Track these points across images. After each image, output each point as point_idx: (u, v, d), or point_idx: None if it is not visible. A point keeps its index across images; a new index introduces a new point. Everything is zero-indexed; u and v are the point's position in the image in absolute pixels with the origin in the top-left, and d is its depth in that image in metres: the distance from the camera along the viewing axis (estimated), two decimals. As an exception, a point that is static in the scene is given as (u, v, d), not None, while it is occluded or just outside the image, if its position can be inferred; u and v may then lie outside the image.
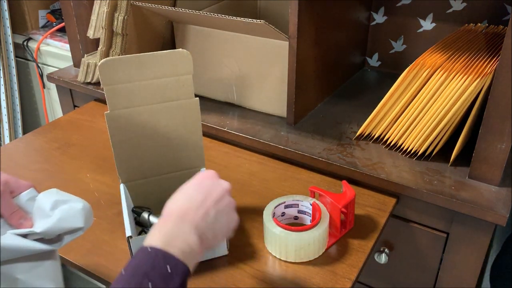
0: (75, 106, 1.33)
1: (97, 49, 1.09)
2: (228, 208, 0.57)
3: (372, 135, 0.97)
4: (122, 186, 0.77)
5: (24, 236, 0.57)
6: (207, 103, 1.13)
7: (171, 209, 0.55)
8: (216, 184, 0.58)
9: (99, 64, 0.69)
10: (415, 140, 0.89)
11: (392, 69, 1.27)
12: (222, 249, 0.74)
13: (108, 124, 0.73)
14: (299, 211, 0.79)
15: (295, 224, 0.79)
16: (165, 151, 0.78)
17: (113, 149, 0.75)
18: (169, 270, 0.48)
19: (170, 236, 0.51)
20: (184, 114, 0.76)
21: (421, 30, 1.19)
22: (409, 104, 0.89)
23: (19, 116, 1.77)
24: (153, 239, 0.51)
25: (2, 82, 1.67)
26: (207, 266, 0.72)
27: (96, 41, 1.22)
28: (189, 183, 0.58)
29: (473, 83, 0.81)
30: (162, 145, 0.78)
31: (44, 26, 1.75)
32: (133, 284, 0.46)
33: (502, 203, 0.78)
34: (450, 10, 1.13)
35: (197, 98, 0.76)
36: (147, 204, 0.77)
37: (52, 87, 1.65)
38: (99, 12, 1.13)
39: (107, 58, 0.70)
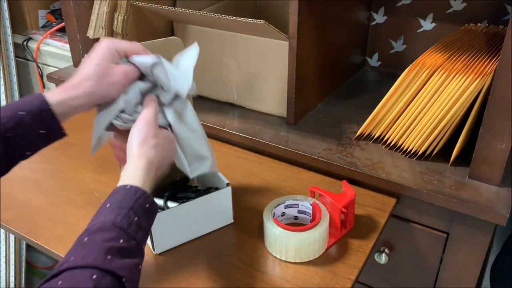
0: (75, 106, 1.32)
1: (97, 49, 1.08)
2: (165, 139, 0.64)
3: (372, 135, 0.97)
4: None
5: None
6: (207, 103, 1.13)
7: (131, 149, 0.61)
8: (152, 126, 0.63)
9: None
10: (415, 140, 0.89)
11: (392, 69, 1.27)
12: (228, 218, 0.80)
13: None
14: (299, 211, 0.79)
15: (295, 224, 0.79)
16: None
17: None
18: (147, 206, 0.56)
19: (144, 179, 0.58)
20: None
21: (421, 30, 1.19)
22: (409, 104, 0.89)
23: (19, 116, 1.77)
24: (132, 179, 0.57)
25: (2, 82, 1.67)
26: (207, 266, 0.72)
27: (96, 41, 1.22)
28: (135, 128, 0.63)
29: (473, 83, 0.81)
30: None
31: (44, 26, 1.74)
32: (122, 215, 0.52)
33: (502, 203, 0.78)
34: (450, 10, 1.13)
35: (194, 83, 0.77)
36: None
37: (52, 87, 1.65)
38: (99, 12, 1.13)
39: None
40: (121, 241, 0.50)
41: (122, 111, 0.67)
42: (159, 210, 0.65)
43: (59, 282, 0.45)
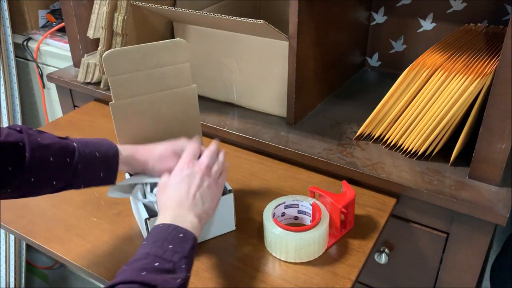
0: (75, 106, 1.33)
1: (97, 49, 1.09)
2: (208, 188, 0.68)
3: (372, 135, 0.97)
4: (126, 175, 0.79)
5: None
6: (207, 103, 1.13)
7: (167, 203, 0.66)
8: (193, 171, 0.68)
9: (103, 56, 0.71)
10: (415, 140, 0.89)
11: (392, 69, 1.27)
12: (230, 225, 0.79)
13: (113, 114, 0.75)
14: (299, 211, 0.79)
15: (295, 224, 0.79)
16: (166, 137, 0.79)
17: (118, 138, 0.77)
18: (181, 236, 0.60)
19: (175, 218, 0.62)
20: (183, 101, 0.79)
21: (421, 30, 1.19)
22: (409, 104, 0.89)
23: (19, 116, 1.77)
24: (161, 221, 0.62)
25: (2, 82, 1.67)
26: (207, 266, 0.72)
27: (96, 41, 1.22)
28: (172, 179, 0.68)
29: (473, 83, 0.81)
30: (164, 132, 0.79)
31: (44, 26, 1.74)
32: (157, 246, 0.57)
33: (502, 203, 0.78)
34: (450, 10, 1.13)
35: (195, 85, 0.79)
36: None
37: (52, 87, 1.65)
38: (99, 12, 1.13)
39: (111, 50, 0.72)
40: (156, 264, 0.55)
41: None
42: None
43: None
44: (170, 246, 0.58)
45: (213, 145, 0.73)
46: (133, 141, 0.78)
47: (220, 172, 0.72)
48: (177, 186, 0.67)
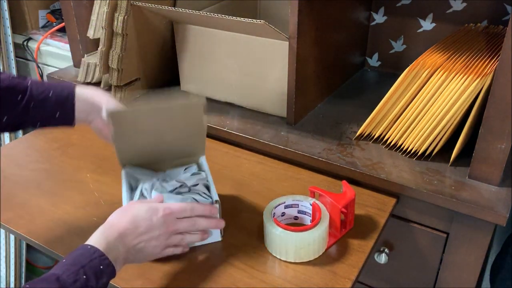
0: (75, 106, 1.32)
1: (97, 49, 1.09)
2: (153, 247, 0.67)
3: (372, 135, 0.97)
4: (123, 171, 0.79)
5: None
6: (207, 103, 1.13)
7: (119, 224, 0.64)
8: (161, 224, 0.67)
9: (109, 113, 0.71)
10: (415, 140, 0.89)
11: (392, 69, 1.27)
12: (216, 236, 0.77)
13: (113, 125, 0.72)
14: (299, 211, 0.79)
15: (295, 224, 0.79)
16: (168, 155, 0.79)
17: (117, 154, 0.76)
18: (101, 268, 0.59)
19: (110, 247, 0.61)
20: (189, 118, 0.76)
21: (421, 30, 1.19)
22: (409, 104, 0.89)
23: (19, 116, 1.77)
24: (97, 241, 0.61)
25: (2, 82, 1.67)
26: (207, 266, 0.72)
27: (96, 41, 1.22)
28: (143, 210, 0.67)
29: (473, 83, 0.81)
30: (166, 150, 0.79)
31: (44, 26, 1.74)
32: (72, 271, 0.56)
33: (502, 203, 0.78)
34: (450, 10, 1.13)
35: (203, 100, 0.75)
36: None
37: (52, 87, 1.65)
38: (99, 12, 1.13)
39: (117, 111, 0.72)
40: None
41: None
42: None
43: None
44: (84, 277, 0.56)
45: (210, 210, 0.72)
46: (133, 157, 0.78)
47: (181, 242, 0.70)
48: (136, 221, 0.65)
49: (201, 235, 0.73)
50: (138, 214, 0.66)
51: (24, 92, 0.70)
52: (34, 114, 0.71)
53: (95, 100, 0.76)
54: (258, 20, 0.88)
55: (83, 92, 0.75)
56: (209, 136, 1.06)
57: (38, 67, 1.66)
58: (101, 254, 0.59)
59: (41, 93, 0.71)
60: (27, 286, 0.53)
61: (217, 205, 0.74)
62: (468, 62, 0.88)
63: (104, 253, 0.60)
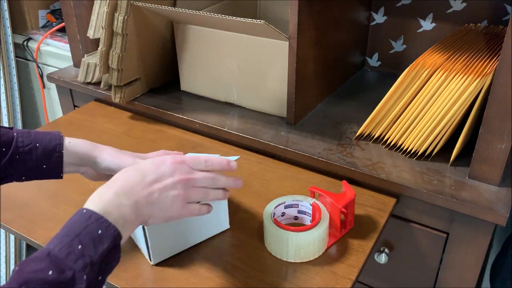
0: (75, 106, 1.33)
1: (97, 49, 1.09)
2: (173, 197, 0.59)
3: (372, 135, 0.97)
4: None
5: None
6: (207, 103, 1.13)
7: (118, 179, 0.58)
8: (173, 171, 0.60)
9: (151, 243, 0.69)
10: (415, 140, 0.89)
11: (392, 69, 1.27)
12: (224, 224, 0.78)
13: None
14: (299, 211, 0.79)
15: (295, 224, 0.79)
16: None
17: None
18: (100, 232, 0.51)
19: (108, 204, 0.54)
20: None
21: (421, 30, 1.19)
22: (409, 104, 0.89)
23: (19, 116, 1.77)
24: (93, 203, 0.54)
25: (2, 82, 1.67)
26: (207, 266, 0.72)
27: (96, 41, 1.22)
28: (149, 162, 0.61)
29: (473, 83, 0.81)
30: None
31: (44, 26, 1.75)
32: (64, 243, 0.49)
33: (502, 203, 0.78)
34: (450, 10, 1.13)
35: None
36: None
37: (52, 87, 1.65)
38: (99, 12, 1.13)
39: (160, 242, 0.71)
40: (50, 272, 0.47)
41: None
42: None
43: None
44: (79, 247, 0.49)
45: (228, 162, 0.65)
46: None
47: (204, 197, 0.63)
48: (142, 171, 0.59)
49: (224, 193, 0.66)
50: (143, 166, 0.60)
51: (10, 143, 0.66)
52: (19, 167, 0.66)
53: (88, 152, 0.71)
54: (258, 20, 0.88)
55: (74, 143, 0.71)
56: (209, 136, 1.06)
57: (38, 67, 1.66)
58: (98, 217, 0.52)
59: (27, 144, 0.66)
60: (17, 268, 0.47)
61: (234, 162, 0.67)
62: (468, 62, 0.88)
63: (102, 215, 0.52)
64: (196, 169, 0.63)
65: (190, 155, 0.65)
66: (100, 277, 0.51)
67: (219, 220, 0.78)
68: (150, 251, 0.71)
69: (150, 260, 0.73)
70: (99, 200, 0.55)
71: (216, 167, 0.64)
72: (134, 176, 0.58)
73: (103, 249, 0.51)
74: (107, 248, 0.51)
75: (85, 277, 0.48)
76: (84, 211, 0.53)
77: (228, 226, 0.79)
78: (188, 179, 0.61)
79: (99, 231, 0.51)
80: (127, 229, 0.55)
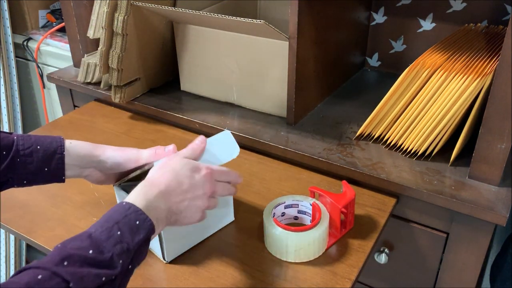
0: (75, 106, 1.33)
1: (97, 49, 1.09)
2: (197, 207, 0.64)
3: (372, 135, 0.97)
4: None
5: None
6: (207, 103, 1.13)
7: (160, 181, 0.61)
8: (204, 183, 0.65)
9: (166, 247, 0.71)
10: (415, 140, 0.89)
11: (392, 69, 1.27)
12: (230, 216, 0.81)
13: None
14: (299, 211, 0.79)
15: (295, 224, 0.79)
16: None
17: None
18: (137, 223, 0.55)
19: (150, 205, 0.58)
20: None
21: (421, 30, 1.19)
22: (409, 104, 0.89)
23: (19, 116, 1.77)
24: (136, 200, 0.58)
25: (2, 82, 1.67)
26: (207, 266, 0.72)
27: (96, 41, 1.22)
28: (184, 165, 0.64)
29: (473, 83, 0.81)
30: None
31: (44, 26, 1.74)
32: (105, 227, 0.53)
33: (502, 203, 0.78)
34: (450, 10, 1.13)
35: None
36: None
37: (52, 87, 1.65)
38: (99, 12, 1.13)
39: (173, 247, 0.73)
40: (90, 252, 0.50)
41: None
42: None
43: (14, 277, 0.47)
44: (118, 233, 0.53)
45: (236, 176, 0.71)
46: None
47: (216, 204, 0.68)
48: (179, 177, 0.62)
49: (233, 192, 0.72)
50: (181, 172, 0.63)
51: (10, 148, 0.66)
52: (20, 171, 0.66)
53: (90, 151, 0.71)
54: (258, 20, 0.88)
55: (75, 144, 0.71)
56: (209, 136, 1.05)
57: (38, 67, 1.66)
58: (136, 209, 0.55)
59: (27, 148, 0.66)
60: (59, 245, 0.50)
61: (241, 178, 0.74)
62: (468, 62, 0.88)
63: (143, 210, 0.56)
64: (218, 180, 0.68)
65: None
66: (130, 266, 0.53)
67: (227, 213, 0.80)
68: (165, 250, 0.72)
69: (164, 258, 0.73)
70: (143, 197, 0.58)
71: (233, 181, 0.71)
72: (173, 182, 0.62)
73: (139, 239, 0.54)
74: (142, 238, 0.55)
75: (121, 261, 0.51)
76: (124, 203, 0.57)
77: (233, 219, 0.81)
78: (213, 192, 0.66)
79: (137, 222, 0.55)
80: (157, 229, 0.58)
